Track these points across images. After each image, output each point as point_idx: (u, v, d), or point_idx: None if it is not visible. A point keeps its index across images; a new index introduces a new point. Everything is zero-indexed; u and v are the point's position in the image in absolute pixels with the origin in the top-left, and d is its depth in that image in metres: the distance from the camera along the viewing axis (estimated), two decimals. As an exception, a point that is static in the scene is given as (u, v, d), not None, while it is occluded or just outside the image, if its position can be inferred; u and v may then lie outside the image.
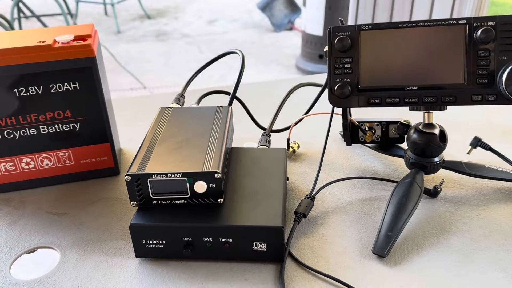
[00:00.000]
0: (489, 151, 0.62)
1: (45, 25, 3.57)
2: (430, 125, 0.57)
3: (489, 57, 0.51)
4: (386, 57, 0.53)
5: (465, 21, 0.51)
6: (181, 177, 0.48)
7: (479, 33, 0.50)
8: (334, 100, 0.55)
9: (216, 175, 0.48)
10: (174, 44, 3.70)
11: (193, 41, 3.76)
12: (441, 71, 0.52)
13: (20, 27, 3.43)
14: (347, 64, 0.54)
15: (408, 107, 0.56)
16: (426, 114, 0.57)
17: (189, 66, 3.26)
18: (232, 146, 0.62)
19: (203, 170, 0.48)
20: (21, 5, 3.47)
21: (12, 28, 2.92)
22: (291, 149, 0.69)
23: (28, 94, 0.57)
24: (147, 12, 4.34)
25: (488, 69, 0.51)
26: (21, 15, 3.52)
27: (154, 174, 0.48)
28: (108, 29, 4.00)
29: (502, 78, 0.50)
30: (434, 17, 1.88)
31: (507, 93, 0.50)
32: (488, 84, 0.51)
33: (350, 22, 2.14)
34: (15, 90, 0.56)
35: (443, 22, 0.51)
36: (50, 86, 0.57)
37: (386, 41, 0.53)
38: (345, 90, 0.54)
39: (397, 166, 0.66)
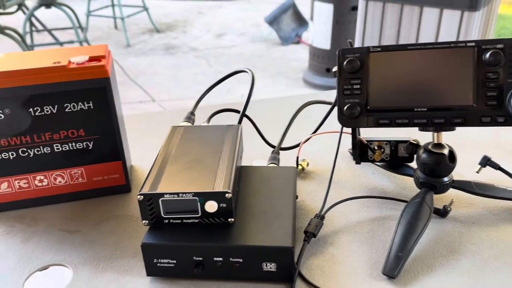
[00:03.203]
0: (498, 170, 0.62)
1: (56, 39, 3.63)
2: (439, 145, 0.57)
3: (498, 79, 0.51)
4: (395, 79, 0.54)
5: (473, 44, 0.52)
6: (192, 196, 0.49)
7: (487, 55, 0.51)
8: (344, 121, 0.56)
9: (226, 195, 0.49)
10: (183, 57, 3.74)
11: (201, 54, 3.80)
12: (450, 93, 0.53)
13: (32, 41, 3.49)
14: (357, 85, 0.55)
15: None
16: (435, 134, 0.57)
17: (197, 79, 3.29)
18: (242, 164, 0.63)
19: (214, 190, 0.49)
20: (33, 19, 3.54)
21: (24, 41, 2.98)
22: (300, 167, 0.70)
23: (43, 113, 0.58)
24: (156, 26, 4.40)
25: (497, 91, 0.51)
26: (33, 29, 3.59)
27: (166, 193, 0.49)
28: (117, 43, 4.06)
29: (511, 100, 0.50)
30: (441, 32, 1.88)
31: (516, 115, 0.50)
32: (497, 105, 0.52)
33: (358, 36, 2.15)
34: (31, 109, 0.57)
35: (452, 45, 0.52)
36: (65, 105, 0.58)
37: (395, 62, 0.54)
38: (354, 111, 0.55)
39: (407, 185, 0.66)
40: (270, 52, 3.82)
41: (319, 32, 2.99)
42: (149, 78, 3.33)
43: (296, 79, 3.29)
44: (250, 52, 3.83)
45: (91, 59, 0.59)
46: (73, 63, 0.58)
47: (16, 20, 3.79)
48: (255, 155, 0.73)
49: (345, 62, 0.54)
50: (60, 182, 0.63)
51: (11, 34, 2.87)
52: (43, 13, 3.77)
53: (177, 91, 3.12)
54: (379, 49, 0.54)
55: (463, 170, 0.68)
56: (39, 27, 3.70)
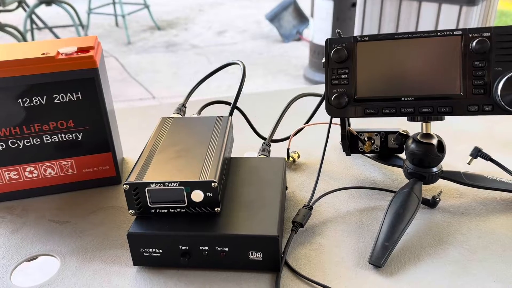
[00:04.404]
0: (489, 162, 0.62)
1: (57, 37, 3.64)
2: (428, 135, 0.57)
3: (485, 67, 0.51)
4: (382, 68, 0.54)
5: (460, 32, 0.51)
6: (178, 186, 0.49)
7: (474, 44, 0.51)
8: (331, 110, 0.56)
9: (212, 184, 0.49)
10: (184, 55, 3.74)
11: (202, 52, 3.80)
12: (437, 82, 0.53)
13: (33, 39, 3.50)
14: (344, 74, 0.54)
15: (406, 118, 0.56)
16: (424, 124, 0.57)
17: (198, 77, 3.28)
18: (232, 156, 0.63)
19: (200, 179, 0.49)
20: (33, 16, 3.54)
21: (24, 39, 2.98)
22: (291, 159, 0.70)
23: (32, 104, 0.58)
24: (157, 24, 4.40)
25: (484, 79, 0.51)
26: (34, 26, 3.60)
27: (152, 183, 0.49)
28: (118, 40, 4.06)
29: (497, 88, 0.50)
30: (440, 27, 1.88)
31: (503, 103, 0.50)
32: (484, 94, 0.51)
33: (356, 32, 2.14)
34: (20, 100, 0.58)
35: (438, 33, 0.52)
36: (54, 96, 0.58)
37: (383, 52, 0.54)
38: (341, 101, 0.54)
39: (396, 176, 0.66)
40: (271, 49, 3.82)
41: (320, 29, 2.99)
42: (150, 75, 3.34)
43: (296, 76, 3.29)
44: (250, 49, 3.83)
45: (80, 50, 0.59)
46: (62, 54, 0.58)
47: (16, 18, 3.80)
48: (247, 147, 0.73)
49: (332, 52, 0.54)
50: (50, 173, 0.63)
51: (12, 32, 2.88)
52: (43, 11, 3.79)
53: (178, 88, 3.13)
54: (366, 38, 0.54)
55: (454, 161, 0.68)
56: (40, 24, 3.71)
